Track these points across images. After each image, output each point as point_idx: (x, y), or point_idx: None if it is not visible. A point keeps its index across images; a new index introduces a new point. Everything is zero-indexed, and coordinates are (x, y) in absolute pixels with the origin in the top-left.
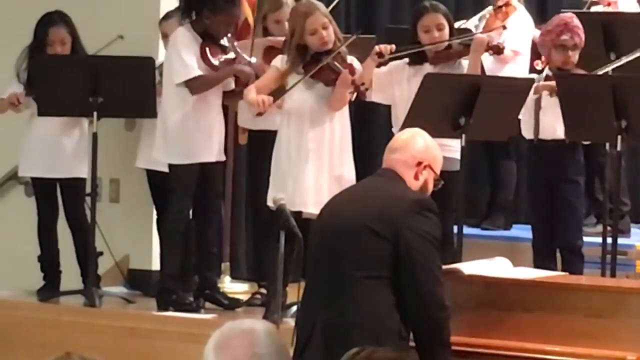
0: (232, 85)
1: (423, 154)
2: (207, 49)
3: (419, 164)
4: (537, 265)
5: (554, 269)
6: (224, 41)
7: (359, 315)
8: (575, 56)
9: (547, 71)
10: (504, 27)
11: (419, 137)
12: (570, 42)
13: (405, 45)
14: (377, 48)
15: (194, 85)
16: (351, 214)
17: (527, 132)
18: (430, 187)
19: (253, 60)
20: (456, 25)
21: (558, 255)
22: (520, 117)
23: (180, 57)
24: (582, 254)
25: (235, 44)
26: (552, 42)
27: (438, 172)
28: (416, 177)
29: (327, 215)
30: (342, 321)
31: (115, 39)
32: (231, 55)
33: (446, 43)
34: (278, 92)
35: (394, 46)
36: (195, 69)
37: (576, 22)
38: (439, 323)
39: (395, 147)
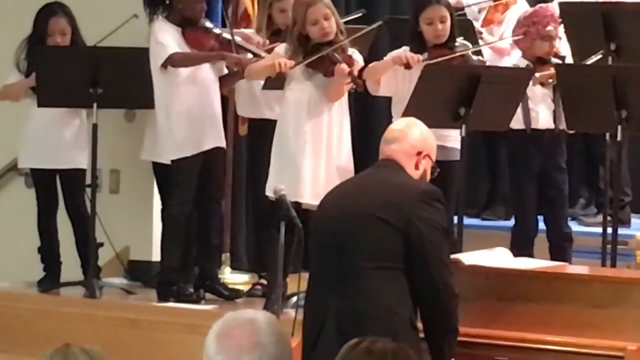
0: (225, 70)
1: (422, 143)
2: (191, 34)
3: (419, 153)
4: (516, 253)
5: (532, 255)
6: (206, 22)
7: (372, 306)
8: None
9: (521, 61)
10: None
11: (415, 126)
12: (554, 33)
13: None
14: (404, 58)
15: (174, 60)
16: (358, 205)
17: (515, 122)
18: (429, 176)
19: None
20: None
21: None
22: None
23: (157, 41)
24: (572, 240)
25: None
26: (537, 33)
27: (434, 159)
28: (416, 167)
29: (332, 206)
30: (355, 312)
31: (130, 18)
32: (226, 36)
33: (447, 36)
34: (278, 80)
35: (420, 56)
36: (172, 47)
37: (557, 12)
38: (449, 310)
39: (392, 137)
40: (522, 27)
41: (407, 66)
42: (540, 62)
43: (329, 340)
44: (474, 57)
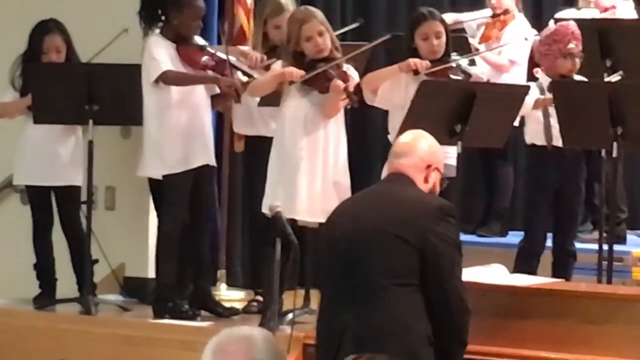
0: (217, 90)
1: (431, 156)
2: (185, 51)
3: (428, 166)
4: (519, 267)
5: (534, 272)
6: (199, 40)
7: (389, 323)
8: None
9: (544, 79)
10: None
11: (423, 139)
12: (576, 50)
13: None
14: (412, 64)
15: (167, 78)
16: (372, 221)
17: (537, 139)
18: (438, 189)
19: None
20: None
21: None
22: (525, 123)
23: (152, 57)
24: (576, 257)
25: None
26: (559, 51)
27: (443, 172)
28: (426, 180)
29: (344, 222)
30: (373, 329)
31: (121, 33)
32: (220, 55)
33: (442, 52)
34: (274, 97)
35: (429, 62)
36: (167, 63)
37: (577, 29)
38: (462, 325)
39: (401, 151)
40: (544, 46)
41: (416, 72)
42: (564, 79)
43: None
44: (470, 68)
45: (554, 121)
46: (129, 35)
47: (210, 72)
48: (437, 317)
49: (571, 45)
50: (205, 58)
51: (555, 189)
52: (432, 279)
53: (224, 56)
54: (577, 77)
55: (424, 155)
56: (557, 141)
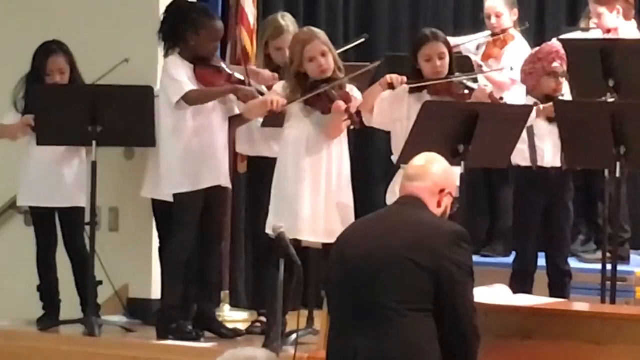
0: (236, 110)
1: (444, 180)
2: (202, 72)
3: (442, 191)
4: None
5: (530, 292)
6: (219, 63)
7: (402, 347)
8: (563, 83)
9: (528, 99)
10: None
11: (436, 163)
12: (560, 70)
13: (406, 74)
14: (388, 78)
15: (190, 99)
16: (386, 245)
17: (522, 160)
18: (449, 212)
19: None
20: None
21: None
22: None
23: (172, 78)
24: (571, 276)
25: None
26: (543, 70)
27: (454, 195)
28: (439, 204)
29: (356, 245)
30: (385, 353)
31: (121, 62)
32: (238, 76)
33: (446, 73)
34: (277, 118)
35: (405, 78)
36: (188, 84)
37: (562, 50)
38: (473, 352)
39: (414, 174)
40: (528, 65)
41: (391, 86)
42: (548, 99)
43: None
44: (473, 84)
45: (539, 141)
46: (130, 65)
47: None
48: (448, 342)
49: (555, 64)
50: (222, 80)
51: (543, 209)
52: (445, 305)
53: (241, 77)
54: (566, 98)
55: (438, 180)
56: (543, 161)
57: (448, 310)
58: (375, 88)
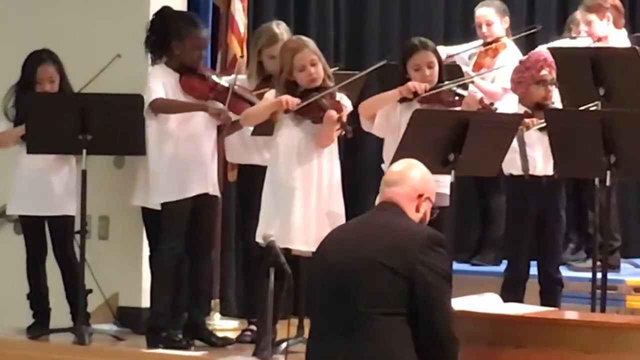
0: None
1: (423, 185)
2: (187, 81)
3: (420, 196)
4: (505, 298)
5: (521, 301)
6: (206, 72)
7: (378, 353)
8: (553, 91)
9: (519, 108)
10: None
11: (415, 168)
12: (549, 77)
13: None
14: (412, 87)
15: (156, 106)
16: (361, 250)
17: (513, 169)
18: (428, 218)
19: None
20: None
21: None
22: None
23: (147, 86)
24: (562, 284)
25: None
26: (532, 78)
27: (434, 201)
28: (417, 210)
29: (333, 251)
30: (362, 358)
31: (114, 58)
32: (224, 84)
33: (435, 82)
34: (268, 126)
35: (427, 85)
36: (157, 92)
37: (550, 57)
38: (451, 356)
39: (392, 180)
40: (517, 73)
41: (416, 94)
42: (538, 107)
43: None
44: (463, 91)
45: (530, 150)
46: (123, 64)
47: (202, 101)
48: (425, 347)
49: (544, 72)
50: (206, 89)
51: (536, 217)
52: (420, 309)
53: (226, 84)
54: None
55: (416, 185)
56: (534, 170)
57: (423, 314)
58: (391, 94)
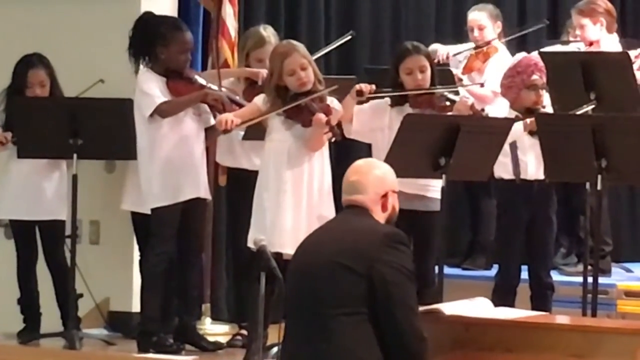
0: (212, 121)
1: (383, 185)
2: (175, 85)
3: (384, 196)
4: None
5: (512, 306)
6: (191, 74)
7: (340, 353)
8: (544, 96)
9: (510, 113)
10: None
11: (370, 171)
12: (540, 82)
13: (387, 87)
14: (357, 87)
15: (162, 111)
16: (323, 252)
17: (505, 173)
18: (397, 207)
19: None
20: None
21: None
22: None
23: (144, 92)
24: (554, 289)
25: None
26: (523, 83)
27: (397, 189)
28: (384, 209)
29: (300, 254)
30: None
31: (96, 83)
32: (211, 87)
33: (427, 86)
34: (258, 131)
35: (374, 86)
36: (160, 97)
37: (541, 62)
38: (418, 355)
39: (352, 188)
40: (507, 78)
41: (360, 94)
42: (529, 112)
43: None
44: (455, 96)
45: (521, 154)
46: (115, 68)
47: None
48: (390, 346)
49: (534, 77)
50: (194, 91)
51: (527, 222)
52: (382, 308)
53: (215, 87)
54: (548, 109)
55: (377, 188)
56: (526, 174)
57: (385, 313)
58: (347, 100)
